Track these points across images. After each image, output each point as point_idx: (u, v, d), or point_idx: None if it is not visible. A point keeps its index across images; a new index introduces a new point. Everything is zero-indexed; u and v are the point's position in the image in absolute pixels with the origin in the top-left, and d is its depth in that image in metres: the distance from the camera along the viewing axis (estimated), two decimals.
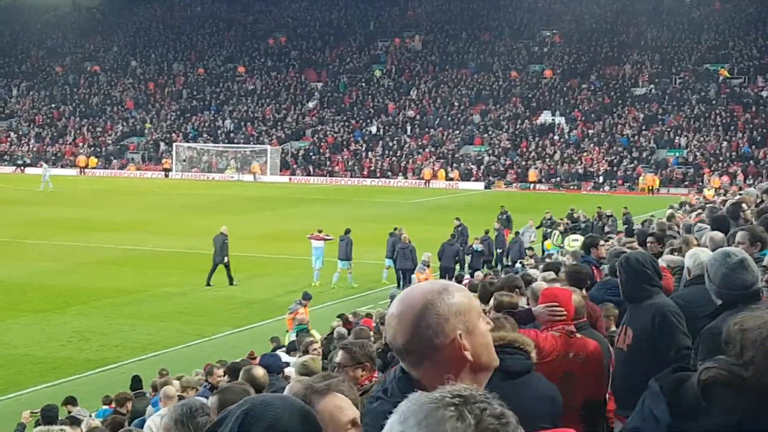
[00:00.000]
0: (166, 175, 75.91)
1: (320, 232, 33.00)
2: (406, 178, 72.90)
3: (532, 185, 69.30)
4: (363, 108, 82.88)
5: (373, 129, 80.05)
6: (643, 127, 74.23)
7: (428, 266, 29.75)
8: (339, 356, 6.63)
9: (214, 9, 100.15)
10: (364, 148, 77.50)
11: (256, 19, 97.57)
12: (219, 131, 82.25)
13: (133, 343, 24.00)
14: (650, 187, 66.09)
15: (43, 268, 33.85)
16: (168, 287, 31.16)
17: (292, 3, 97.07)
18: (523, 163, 72.30)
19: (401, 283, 30.79)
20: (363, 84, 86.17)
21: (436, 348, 2.77)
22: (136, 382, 16.87)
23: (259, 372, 8.91)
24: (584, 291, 9.50)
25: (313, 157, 77.29)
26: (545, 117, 77.61)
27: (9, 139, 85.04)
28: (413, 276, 30.21)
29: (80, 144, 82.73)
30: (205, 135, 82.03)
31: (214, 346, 23.20)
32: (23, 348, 23.40)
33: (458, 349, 2.77)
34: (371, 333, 15.25)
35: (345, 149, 77.90)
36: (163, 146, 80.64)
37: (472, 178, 71.84)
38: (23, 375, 21.31)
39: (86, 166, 78.28)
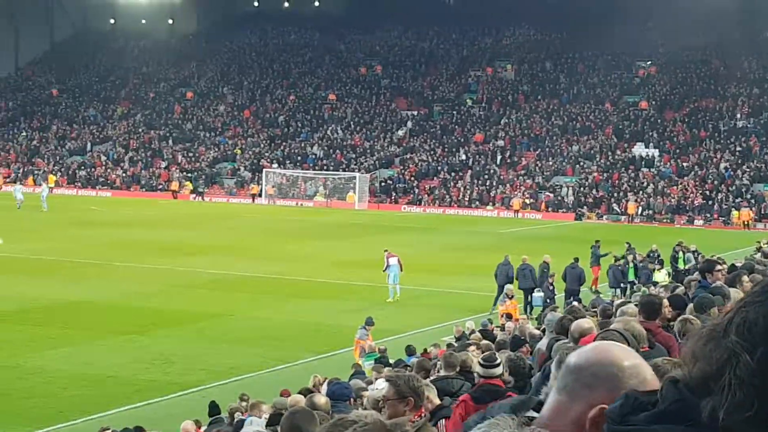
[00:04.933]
0: (254, 201, 76.56)
1: (386, 251, 34.82)
2: (495, 207, 72.35)
3: (625, 218, 68.18)
4: (453, 137, 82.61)
5: (463, 158, 79.68)
6: (740, 161, 72.68)
7: (510, 298, 29.31)
8: (384, 389, 6.41)
9: (307, 37, 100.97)
10: (453, 177, 77.14)
11: (348, 47, 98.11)
12: (309, 158, 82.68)
13: (217, 368, 23.92)
14: (745, 222, 64.56)
15: (132, 291, 34.10)
16: (253, 311, 31.14)
17: (384, 32, 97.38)
18: (615, 194, 71.23)
19: (526, 302, 32.20)
20: (454, 113, 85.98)
21: None
22: (213, 408, 16.71)
23: (321, 400, 8.88)
24: (658, 321, 9.19)
25: (401, 186, 77.18)
26: (639, 149, 76.46)
27: (103, 163, 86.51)
28: (534, 295, 31.86)
29: (173, 169, 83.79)
30: (295, 161, 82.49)
31: (296, 372, 22.98)
32: (108, 369, 23.46)
33: None
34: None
35: (434, 178, 77.66)
36: (253, 173, 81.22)
37: (563, 209, 71.01)
38: (108, 396, 21.33)
39: (179, 191, 79.25)
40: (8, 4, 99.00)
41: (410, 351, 21.01)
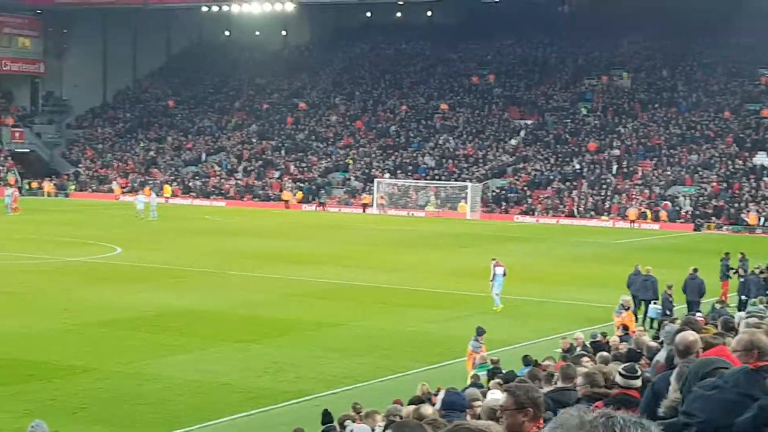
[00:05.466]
0: (364, 211, 76.76)
1: (493, 260, 34.42)
2: (610, 217, 71.20)
3: (747, 228, 66.35)
4: (566, 146, 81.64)
5: (577, 167, 78.64)
6: None
7: (626, 309, 28.64)
8: (502, 399, 6.40)
9: (419, 47, 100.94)
10: (567, 187, 76.20)
11: (461, 56, 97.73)
12: (420, 168, 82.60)
13: (329, 376, 23.86)
14: None
15: (246, 299, 34.35)
16: (365, 321, 31.07)
17: (497, 41, 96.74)
18: (736, 204, 69.42)
19: (645, 313, 31.77)
20: (567, 122, 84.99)
21: None
22: (326, 416, 16.61)
23: (428, 410, 8.92)
24: None
25: (513, 196, 76.54)
26: (761, 158, 74.40)
27: (218, 173, 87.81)
28: (651, 306, 31.50)
29: (285, 179, 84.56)
30: (406, 171, 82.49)
31: (408, 381, 22.76)
32: (223, 377, 23.58)
33: None
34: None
35: (547, 187, 76.82)
36: (365, 182, 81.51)
37: (680, 220, 69.49)
38: (222, 403, 21.43)
39: (291, 201, 79.93)
40: (128, 20, 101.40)
41: (527, 361, 20.59)
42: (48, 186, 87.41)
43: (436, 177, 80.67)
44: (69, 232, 55.69)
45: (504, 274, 33.69)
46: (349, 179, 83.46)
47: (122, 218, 65.12)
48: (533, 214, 73.62)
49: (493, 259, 34.56)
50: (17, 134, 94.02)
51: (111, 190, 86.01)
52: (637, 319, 29.91)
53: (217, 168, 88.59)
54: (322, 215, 74.29)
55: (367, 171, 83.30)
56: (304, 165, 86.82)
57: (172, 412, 20.81)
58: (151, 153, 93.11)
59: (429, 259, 47.53)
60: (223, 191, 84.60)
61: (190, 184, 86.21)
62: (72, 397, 21.45)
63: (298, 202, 79.96)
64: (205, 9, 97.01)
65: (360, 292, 36.56)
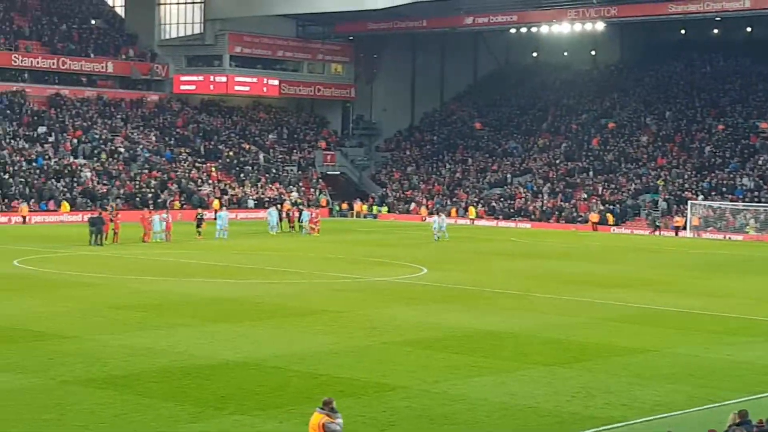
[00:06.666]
0: (677, 234, 74.27)
1: None
2: None
3: None
4: None
5: None
6: None
7: None
8: None
9: (737, 64, 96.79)
10: None
11: None
12: (737, 189, 79.03)
13: (640, 403, 22.82)
14: None
15: (552, 322, 33.77)
16: (678, 347, 29.68)
17: None
18: None
19: None
20: None
21: None
22: None
23: None
24: None
25: None
26: None
27: (523, 194, 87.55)
28: None
29: (593, 200, 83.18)
30: (721, 193, 79.16)
31: (725, 412, 21.27)
32: (529, 399, 23.09)
33: None
34: None
35: None
36: (677, 204, 78.95)
37: None
38: (530, 427, 20.93)
39: (598, 223, 78.55)
40: (437, 43, 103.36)
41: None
42: (358, 207, 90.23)
43: (755, 199, 77.03)
44: (377, 252, 57.00)
45: None
46: (657, 201, 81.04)
47: (428, 239, 66.04)
48: None
49: None
50: (329, 157, 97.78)
51: (410, 211, 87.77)
52: None
53: (522, 190, 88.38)
54: (632, 238, 72.53)
55: (679, 193, 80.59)
56: (613, 186, 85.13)
57: None
58: (457, 175, 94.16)
59: (746, 284, 45.45)
60: (528, 212, 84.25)
61: (495, 205, 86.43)
62: (381, 414, 21.56)
63: (598, 224, 78.33)
64: (513, 31, 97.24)
65: (671, 318, 35.23)
